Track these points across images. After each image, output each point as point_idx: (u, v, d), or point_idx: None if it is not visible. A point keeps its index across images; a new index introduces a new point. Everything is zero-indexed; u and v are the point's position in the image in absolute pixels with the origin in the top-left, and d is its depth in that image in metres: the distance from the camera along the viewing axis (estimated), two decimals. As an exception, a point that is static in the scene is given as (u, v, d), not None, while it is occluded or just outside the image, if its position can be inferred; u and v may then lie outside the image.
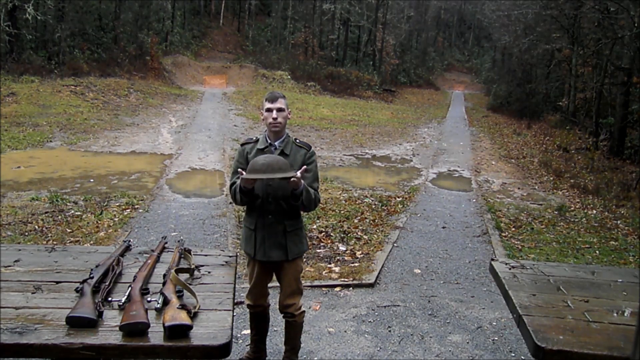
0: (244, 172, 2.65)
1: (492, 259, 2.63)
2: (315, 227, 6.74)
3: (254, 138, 3.01)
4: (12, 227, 6.20)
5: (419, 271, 5.51)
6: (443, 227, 7.31)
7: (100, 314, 1.71)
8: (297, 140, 2.98)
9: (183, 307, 1.73)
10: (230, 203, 7.60)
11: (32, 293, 1.89)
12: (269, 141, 2.92)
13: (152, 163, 10.61)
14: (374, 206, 8.19)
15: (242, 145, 3.01)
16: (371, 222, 7.27)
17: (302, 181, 2.73)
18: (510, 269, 2.48)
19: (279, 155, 2.80)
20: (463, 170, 12.12)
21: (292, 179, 2.63)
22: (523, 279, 2.35)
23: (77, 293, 1.84)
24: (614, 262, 6.27)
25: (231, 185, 2.89)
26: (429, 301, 4.60)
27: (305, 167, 2.76)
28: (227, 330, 1.71)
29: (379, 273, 5.27)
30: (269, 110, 2.87)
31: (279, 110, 2.87)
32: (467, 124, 22.17)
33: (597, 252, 6.66)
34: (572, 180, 11.59)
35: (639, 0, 13.44)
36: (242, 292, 3.82)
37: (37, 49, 21.61)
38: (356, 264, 5.50)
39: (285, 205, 2.85)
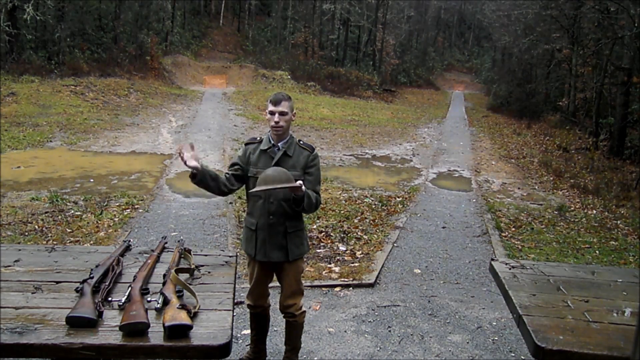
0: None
1: (492, 259, 2.63)
2: (315, 227, 6.74)
3: (258, 138, 3.00)
4: (12, 227, 6.20)
5: (419, 271, 5.51)
6: (443, 227, 7.31)
7: (100, 314, 1.71)
8: (301, 142, 2.97)
9: (183, 307, 1.73)
10: (230, 203, 7.61)
11: (32, 293, 1.89)
12: (272, 142, 2.91)
13: (152, 163, 10.60)
14: (374, 206, 8.18)
15: (245, 144, 3.01)
16: (371, 222, 7.27)
17: (303, 187, 2.74)
18: (510, 269, 2.48)
19: (281, 157, 2.86)
20: (463, 170, 12.12)
21: (294, 187, 2.67)
22: (523, 279, 2.35)
23: (77, 293, 1.84)
24: (614, 262, 6.27)
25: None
26: (429, 301, 4.61)
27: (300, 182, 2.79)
28: (227, 330, 1.71)
29: (379, 273, 5.27)
30: (272, 113, 2.85)
31: (282, 114, 2.83)
32: (467, 124, 22.16)
33: (597, 252, 6.66)
34: (572, 180, 11.59)
35: (639, 0, 13.44)
36: (242, 292, 3.82)
37: (37, 49, 21.59)
38: (356, 264, 5.50)
39: (287, 206, 2.86)
